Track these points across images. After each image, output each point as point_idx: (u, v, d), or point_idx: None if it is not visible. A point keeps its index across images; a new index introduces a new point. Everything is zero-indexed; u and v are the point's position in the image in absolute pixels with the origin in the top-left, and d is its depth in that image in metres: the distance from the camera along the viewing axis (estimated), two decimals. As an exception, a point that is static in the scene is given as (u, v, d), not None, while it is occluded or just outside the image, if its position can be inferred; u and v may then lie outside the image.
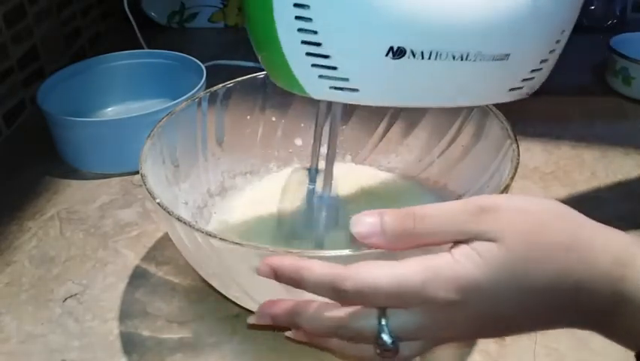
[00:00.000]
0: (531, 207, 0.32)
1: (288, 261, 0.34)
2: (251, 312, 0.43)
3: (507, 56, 0.36)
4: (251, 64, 0.84)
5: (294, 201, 0.47)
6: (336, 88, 0.36)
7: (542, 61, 0.38)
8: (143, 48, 0.81)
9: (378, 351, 0.32)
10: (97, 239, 0.56)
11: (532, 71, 0.38)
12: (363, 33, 0.34)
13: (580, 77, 0.80)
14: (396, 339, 0.32)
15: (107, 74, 0.74)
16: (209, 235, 0.37)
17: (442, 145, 0.54)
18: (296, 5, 0.33)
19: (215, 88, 0.54)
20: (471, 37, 0.35)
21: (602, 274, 0.30)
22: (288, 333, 0.37)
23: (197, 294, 0.49)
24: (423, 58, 0.34)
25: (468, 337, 0.35)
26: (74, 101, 0.70)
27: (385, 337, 0.32)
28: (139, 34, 0.87)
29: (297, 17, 0.33)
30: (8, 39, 0.72)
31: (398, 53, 0.34)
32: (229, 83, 0.55)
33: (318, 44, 0.34)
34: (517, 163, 0.43)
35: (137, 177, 0.64)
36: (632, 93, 0.74)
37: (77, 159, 0.66)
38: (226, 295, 0.44)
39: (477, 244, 0.31)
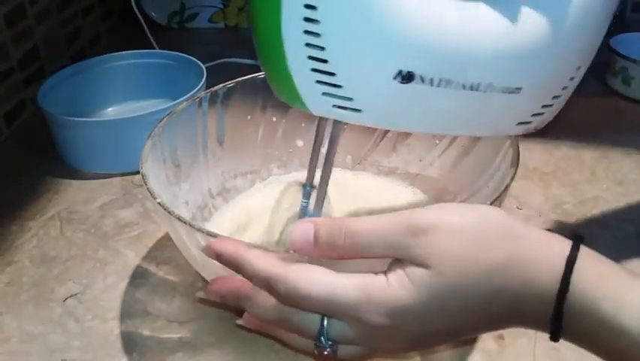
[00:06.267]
0: (468, 225, 0.31)
1: (229, 247, 0.35)
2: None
3: (519, 89, 0.35)
4: (251, 62, 0.84)
5: (286, 216, 0.47)
6: (339, 107, 0.35)
7: (555, 97, 0.37)
8: (145, 48, 0.81)
9: (316, 351, 0.34)
10: (97, 239, 0.56)
11: (544, 106, 0.37)
12: (372, 53, 0.32)
13: (580, 77, 0.80)
14: (334, 343, 0.33)
15: (107, 74, 0.74)
16: (210, 235, 0.37)
17: (442, 145, 0.55)
18: (306, 19, 0.32)
19: (215, 88, 0.54)
20: (484, 68, 0.34)
21: (541, 290, 0.30)
22: (239, 321, 0.37)
23: (197, 294, 0.49)
24: (432, 85, 0.33)
25: (404, 349, 0.36)
26: (75, 101, 0.70)
27: (324, 340, 0.33)
28: (148, 33, 0.87)
29: (305, 32, 0.32)
30: (9, 39, 0.72)
31: (406, 77, 0.33)
32: (230, 83, 0.55)
33: (325, 61, 0.33)
34: (517, 164, 0.43)
35: (138, 176, 0.64)
36: (631, 93, 0.74)
37: (78, 159, 0.66)
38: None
39: (410, 270, 0.31)
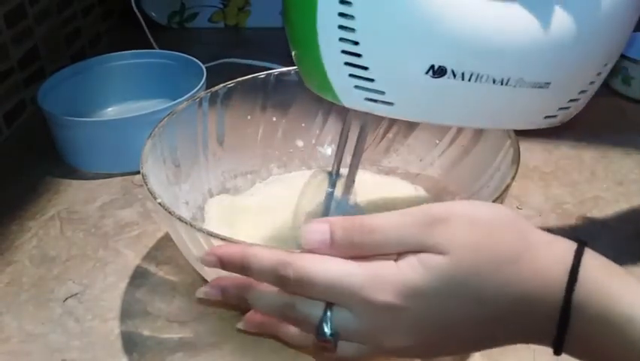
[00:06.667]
0: (482, 216, 0.31)
1: (234, 248, 0.34)
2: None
3: (548, 84, 0.36)
4: (251, 62, 0.84)
5: (311, 204, 0.47)
6: (370, 100, 0.35)
7: (581, 92, 0.38)
8: (145, 48, 0.81)
9: (316, 341, 0.33)
10: (97, 239, 0.56)
11: (570, 100, 0.38)
12: (406, 48, 0.33)
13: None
14: (336, 334, 0.32)
15: (107, 74, 0.74)
16: (211, 235, 0.37)
17: (442, 145, 0.55)
18: (340, 14, 0.33)
19: (215, 88, 0.54)
20: (514, 63, 0.34)
21: (546, 284, 0.30)
22: (239, 324, 0.37)
23: (197, 294, 0.49)
24: (463, 79, 0.34)
25: (411, 349, 0.34)
26: (75, 101, 0.70)
27: (326, 328, 0.32)
28: (148, 33, 0.87)
29: (340, 26, 0.33)
30: (9, 39, 0.72)
31: (439, 72, 0.33)
32: (230, 83, 0.55)
33: (358, 55, 0.33)
34: (518, 164, 0.43)
35: (138, 176, 0.64)
36: (631, 93, 0.74)
37: (77, 159, 0.66)
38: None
39: (423, 256, 0.31)
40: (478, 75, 0.34)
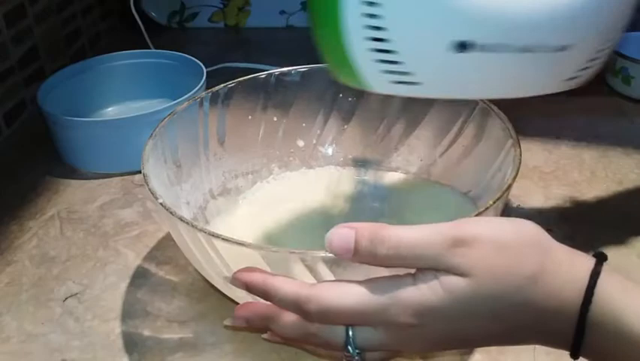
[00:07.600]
0: (506, 238, 0.32)
1: (257, 277, 0.36)
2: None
3: (570, 46, 0.36)
4: (251, 65, 0.84)
5: (341, 197, 0.47)
6: (399, 82, 0.36)
7: (600, 50, 0.38)
8: (144, 48, 0.81)
9: (344, 360, 0.34)
10: (97, 239, 0.56)
11: (590, 60, 0.38)
12: (430, 28, 0.34)
13: (580, 77, 0.80)
14: (361, 351, 0.34)
15: (107, 74, 0.74)
16: (212, 235, 0.37)
17: (443, 145, 0.55)
18: (365, 2, 0.33)
19: (216, 88, 0.54)
20: (538, 29, 0.34)
21: (562, 303, 0.31)
22: (264, 335, 0.38)
23: (198, 294, 0.49)
24: (487, 51, 0.34)
25: (427, 349, 0.37)
26: (75, 101, 0.70)
27: (351, 349, 0.33)
28: (145, 34, 0.87)
29: (365, 14, 0.33)
30: (8, 39, 0.72)
31: (463, 46, 0.34)
32: (230, 83, 0.55)
33: (385, 40, 0.34)
34: (519, 164, 0.43)
35: (138, 176, 0.64)
36: (631, 93, 0.74)
37: (77, 158, 0.66)
38: (227, 294, 0.44)
39: (444, 277, 0.31)
40: (501, 45, 0.34)
